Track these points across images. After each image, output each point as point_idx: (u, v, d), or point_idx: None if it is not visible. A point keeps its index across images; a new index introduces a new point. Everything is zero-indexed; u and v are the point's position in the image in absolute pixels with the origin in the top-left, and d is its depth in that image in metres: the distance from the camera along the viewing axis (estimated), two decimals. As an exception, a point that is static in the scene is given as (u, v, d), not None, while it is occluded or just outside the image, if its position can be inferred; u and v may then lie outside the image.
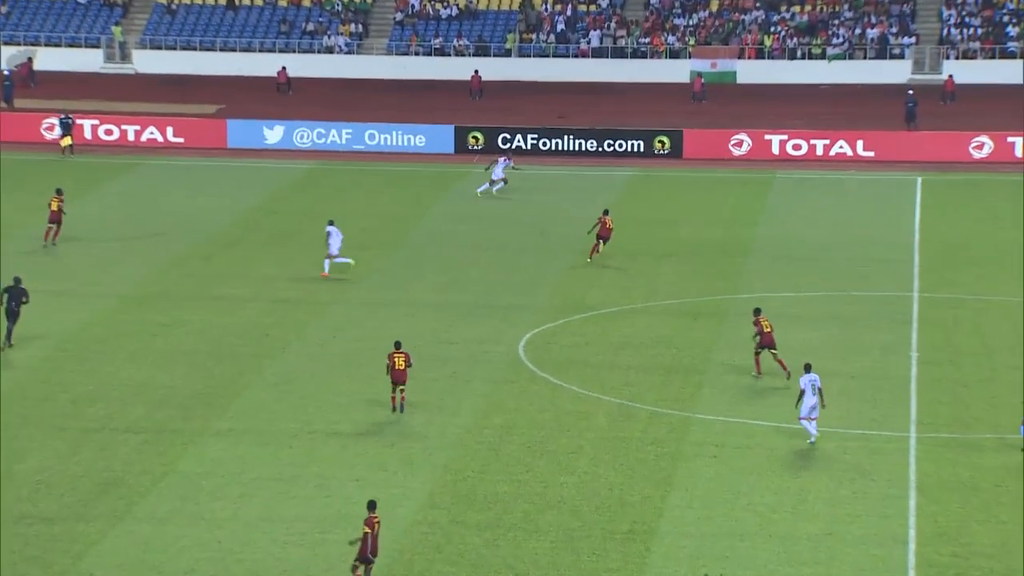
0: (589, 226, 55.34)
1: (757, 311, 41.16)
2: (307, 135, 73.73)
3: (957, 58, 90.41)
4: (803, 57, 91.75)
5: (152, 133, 74.32)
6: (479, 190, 62.80)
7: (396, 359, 38.59)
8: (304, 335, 44.93)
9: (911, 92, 76.48)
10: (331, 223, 51.39)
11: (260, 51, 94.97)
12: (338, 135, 73.60)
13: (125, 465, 35.01)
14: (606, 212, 53.56)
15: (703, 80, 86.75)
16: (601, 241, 52.28)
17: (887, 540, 31.26)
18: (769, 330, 40.44)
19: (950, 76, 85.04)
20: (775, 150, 70.48)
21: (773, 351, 40.47)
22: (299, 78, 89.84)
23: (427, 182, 67.02)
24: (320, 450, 36.25)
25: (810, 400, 35.85)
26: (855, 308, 47.31)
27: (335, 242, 50.95)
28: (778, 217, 59.72)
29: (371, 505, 29.80)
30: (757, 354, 40.74)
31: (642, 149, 71.23)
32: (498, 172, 63.01)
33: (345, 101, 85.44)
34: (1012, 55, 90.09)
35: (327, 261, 50.78)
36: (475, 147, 72.62)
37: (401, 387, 38.57)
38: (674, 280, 50.62)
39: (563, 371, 41.56)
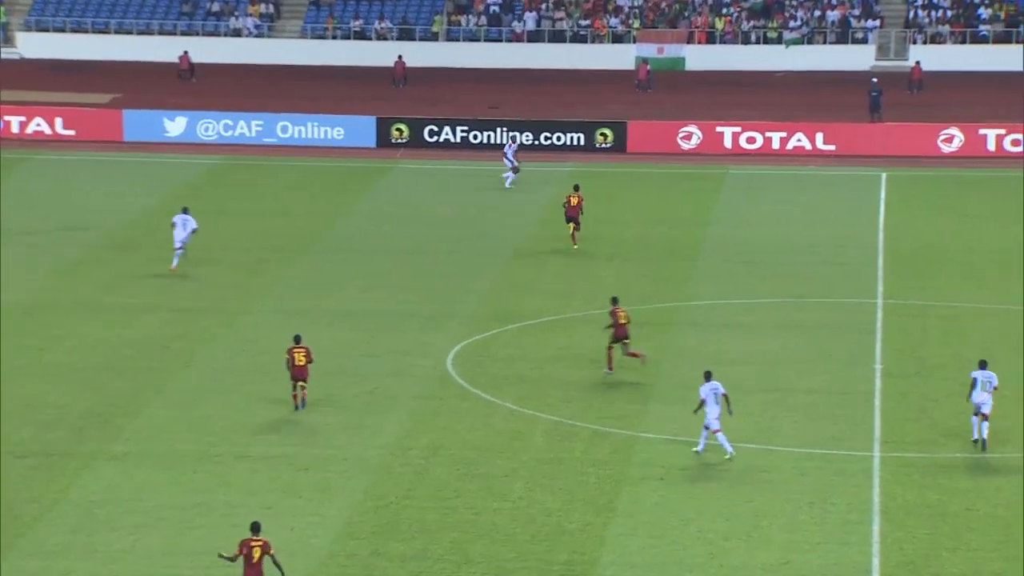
0: (524, 225, 55.60)
1: (615, 300, 41.99)
2: (212, 127, 73.48)
3: (925, 43, 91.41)
4: (757, 42, 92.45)
5: (39, 125, 73.80)
6: (508, 184, 63.67)
7: (296, 354, 39.17)
8: (210, 348, 44.76)
9: (875, 80, 77.24)
10: (184, 211, 51.71)
11: (160, 34, 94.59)
12: (247, 127, 73.39)
13: (10, 493, 34.76)
14: (576, 188, 55.12)
15: (649, 67, 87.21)
16: (571, 223, 54.08)
17: (849, 570, 31.55)
18: (624, 322, 41.44)
19: (917, 63, 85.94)
20: (727, 143, 70.97)
21: (625, 342, 41.46)
22: (203, 64, 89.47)
23: (346, 179, 66.97)
24: (227, 475, 36.13)
25: (713, 410, 36.41)
26: (814, 316, 47.72)
27: (180, 233, 51.48)
28: (730, 217, 60.12)
29: (254, 527, 29.72)
30: (610, 348, 41.64)
31: (582, 142, 71.51)
32: (511, 160, 63.67)
33: (255, 89, 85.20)
34: (984, 40, 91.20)
35: (175, 254, 51.40)
36: (399, 140, 72.65)
37: (302, 383, 39.22)
38: (617, 286, 50.79)
39: (496, 386, 41.64)
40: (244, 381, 42.23)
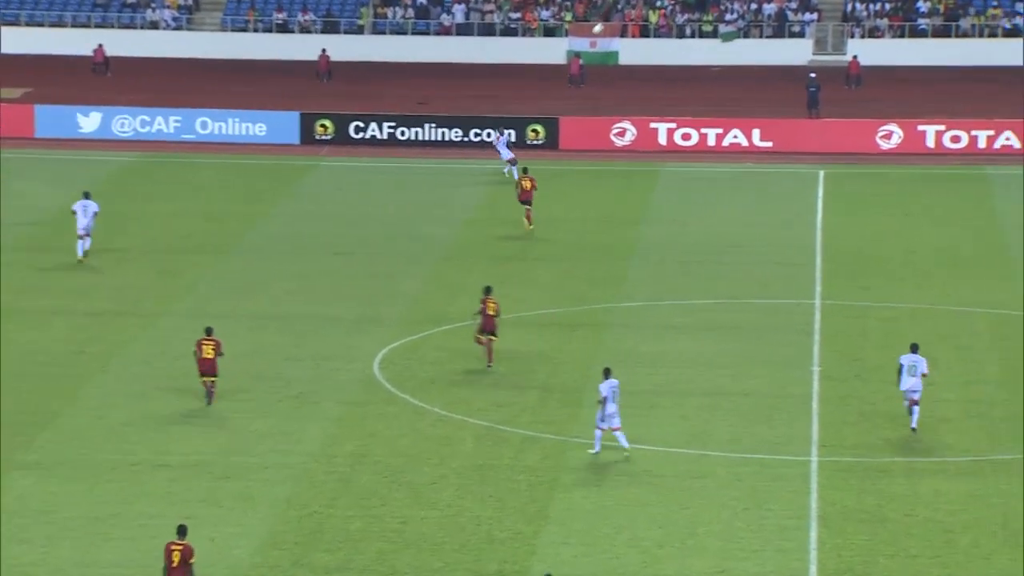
0: (454, 225, 55.65)
1: (487, 290, 42.82)
2: (128, 123, 73.06)
3: (863, 37, 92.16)
4: (693, 35, 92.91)
5: (-53, 120, 73.12)
6: (506, 171, 64.32)
7: (204, 347, 39.44)
8: (126, 352, 44.51)
9: (813, 75, 77.79)
10: (85, 196, 51.99)
11: (73, 26, 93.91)
12: (165, 123, 73.03)
13: (-84, 504, 34.47)
14: (524, 171, 57.44)
15: (581, 61, 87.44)
16: (525, 206, 55.90)
17: (786, 577, 31.80)
18: (492, 315, 42.12)
19: (855, 57, 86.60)
20: (662, 140, 71.27)
21: (491, 337, 42.15)
22: (119, 58, 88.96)
23: (269, 177, 66.76)
24: (144, 484, 35.96)
25: (611, 408, 36.86)
26: (751, 317, 48.00)
27: (82, 220, 51.73)
28: (665, 215, 60.38)
29: (180, 530, 29.95)
30: (478, 340, 42.50)
31: (513, 139, 71.54)
32: (505, 152, 64.03)
33: (172, 84, 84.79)
34: (923, 33, 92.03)
35: (79, 243, 51.40)
36: (323, 137, 72.49)
37: (211, 379, 39.53)
38: (549, 287, 50.97)
39: (424, 391, 41.65)
40: (162, 387, 42.02)
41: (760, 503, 34.99)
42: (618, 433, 37.07)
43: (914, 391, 38.49)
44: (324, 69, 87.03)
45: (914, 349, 39.00)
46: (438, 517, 34.33)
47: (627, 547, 33.00)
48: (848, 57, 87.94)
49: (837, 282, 51.45)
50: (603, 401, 36.89)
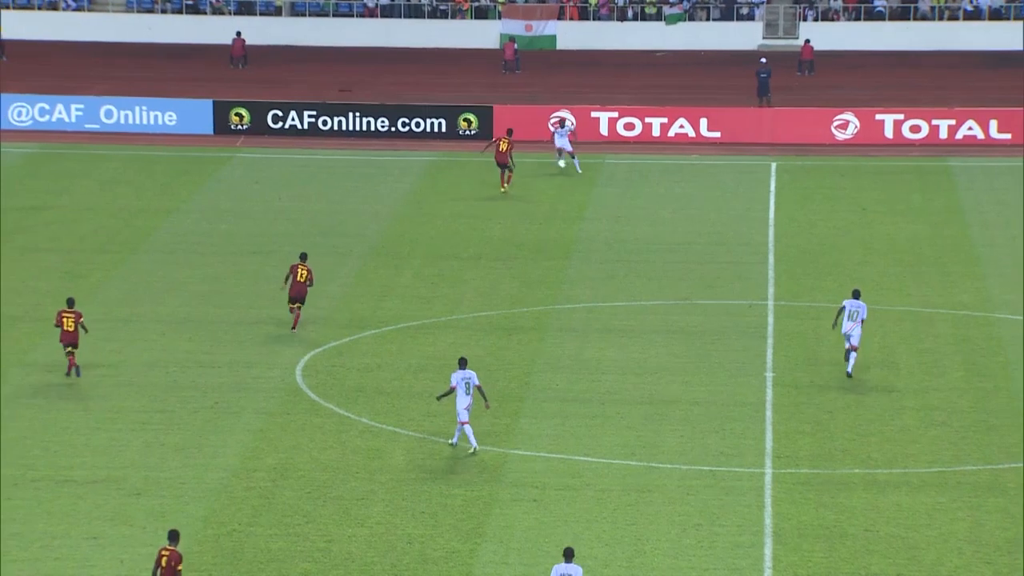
0: (381, 222, 55.67)
1: (302, 256, 45.01)
2: (26, 111, 72.73)
3: (816, 19, 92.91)
4: (635, 18, 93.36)
5: None
6: (561, 163, 64.66)
7: (65, 319, 42.14)
8: (26, 360, 44.33)
9: (763, 61, 78.36)
10: None
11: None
12: (66, 112, 72.75)
13: None
14: (509, 132, 60.40)
15: (516, 46, 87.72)
16: (502, 169, 59.48)
17: (740, 597, 32.10)
18: (302, 281, 44.61)
19: (808, 41, 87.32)
20: (603, 130, 71.61)
21: (299, 304, 44.49)
22: (15, 41, 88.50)
23: (180, 169, 66.62)
24: (47, 502, 35.88)
25: (464, 400, 37.60)
26: (700, 320, 48.33)
27: None
28: (607, 211, 60.67)
29: (171, 535, 30.84)
30: (290, 308, 44.70)
31: (444, 129, 71.76)
32: (563, 142, 64.31)
33: (74, 70, 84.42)
34: (880, 16, 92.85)
35: None
36: (239, 126, 72.40)
37: (72, 348, 42.05)
38: (484, 288, 51.14)
39: (351, 400, 41.72)
40: (66, 396, 41.90)
41: (711, 518, 35.27)
42: (466, 427, 38.02)
43: (852, 335, 42.16)
44: (239, 54, 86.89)
45: (856, 295, 42.90)
46: (367, 535, 34.43)
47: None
48: (801, 41, 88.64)
49: (791, 281, 51.86)
50: (452, 390, 37.90)
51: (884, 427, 40.31)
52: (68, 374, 42.43)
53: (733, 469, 37.84)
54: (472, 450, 37.94)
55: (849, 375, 42.54)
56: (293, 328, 45.87)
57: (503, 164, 60.69)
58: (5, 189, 62.17)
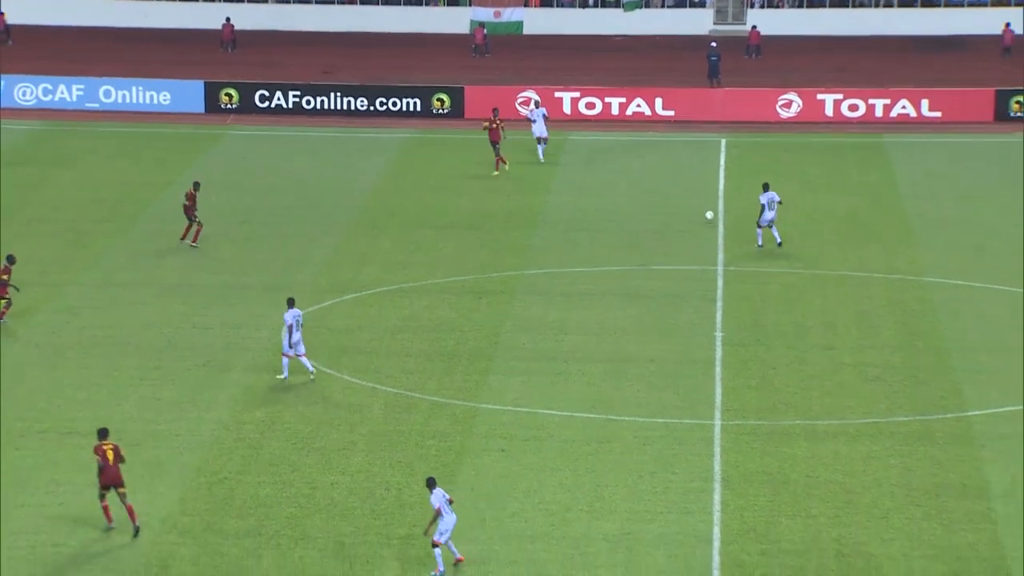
0: (361, 194, 55.67)
1: (10, 259, 43.67)
2: (31, 91, 72.28)
3: (763, 7, 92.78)
4: (596, 5, 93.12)
5: None
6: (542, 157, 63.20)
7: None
8: (33, 321, 44.21)
9: (714, 45, 78.28)
10: None
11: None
12: (67, 91, 72.32)
13: None
14: (495, 111, 60.76)
15: (485, 31, 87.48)
16: (495, 146, 59.47)
17: (690, 539, 32.21)
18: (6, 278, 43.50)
19: (755, 27, 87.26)
20: (566, 109, 71.53)
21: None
22: (20, 26, 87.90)
23: (173, 145, 66.35)
24: (53, 451, 35.85)
25: (296, 336, 39.14)
26: (655, 284, 48.40)
27: None
28: (570, 184, 60.65)
29: (101, 433, 32.29)
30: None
31: (419, 108, 71.58)
32: (541, 128, 63.01)
33: (76, 53, 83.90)
34: (821, 4, 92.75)
35: None
36: (229, 106, 72.10)
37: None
38: (456, 255, 51.11)
39: (333, 359, 41.70)
40: (69, 356, 41.85)
41: (665, 466, 35.41)
42: (304, 359, 39.29)
43: (771, 220, 50.41)
44: (228, 38, 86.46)
45: (766, 188, 50.94)
46: (348, 483, 34.47)
47: (536, 510, 33.31)
48: (748, 27, 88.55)
49: (739, 249, 51.96)
50: (289, 329, 39.06)
51: (824, 382, 40.50)
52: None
53: (685, 421, 37.99)
54: (311, 377, 39.47)
55: (780, 244, 50.68)
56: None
57: (496, 142, 60.16)
58: (12, 163, 61.88)
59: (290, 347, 39.51)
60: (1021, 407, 38.75)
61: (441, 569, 30.44)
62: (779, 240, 50.90)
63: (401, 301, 46.43)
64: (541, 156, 62.97)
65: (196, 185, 51.68)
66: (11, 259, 43.79)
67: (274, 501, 33.56)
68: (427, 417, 38.03)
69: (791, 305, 46.40)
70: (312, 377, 39.60)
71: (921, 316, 45.44)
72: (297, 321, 39.39)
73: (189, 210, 51.01)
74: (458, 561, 30.79)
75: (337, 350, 42.31)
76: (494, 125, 60.39)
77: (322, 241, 52.40)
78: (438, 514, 30.49)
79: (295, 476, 34.79)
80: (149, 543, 31.73)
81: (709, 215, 51.69)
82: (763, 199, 50.85)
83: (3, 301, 43.24)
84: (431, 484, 30.87)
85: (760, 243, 50.87)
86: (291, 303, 39.81)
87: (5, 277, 43.38)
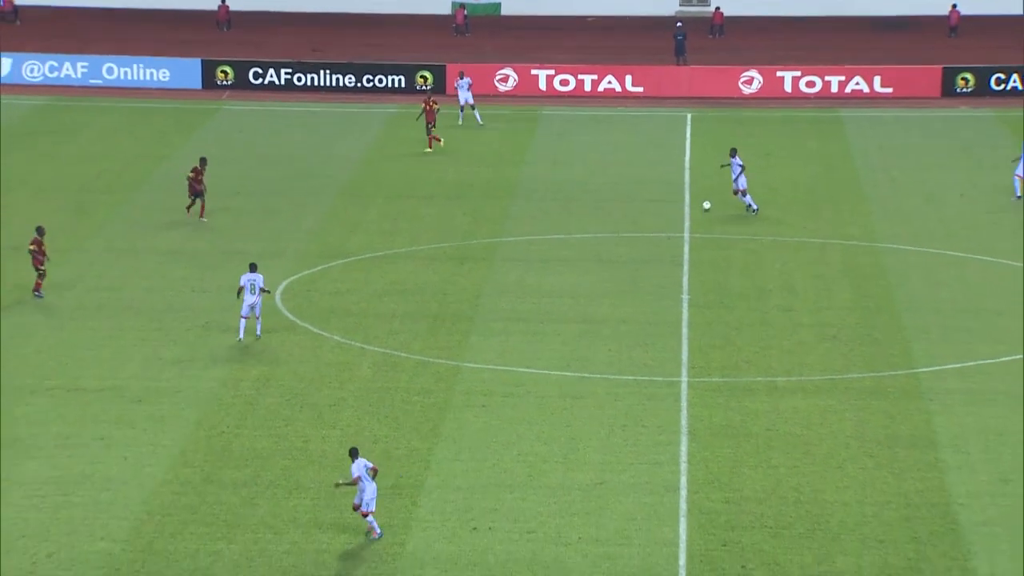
0: (349, 165, 55.54)
1: (39, 231, 43.14)
2: (38, 68, 71.90)
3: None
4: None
5: None
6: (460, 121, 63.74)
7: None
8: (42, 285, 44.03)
9: (679, 25, 78.12)
10: None
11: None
12: (72, 69, 71.96)
13: None
14: (428, 94, 60.98)
15: (466, 12, 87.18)
16: (429, 126, 58.80)
17: (659, 487, 32.29)
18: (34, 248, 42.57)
19: (718, 8, 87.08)
20: (542, 86, 71.38)
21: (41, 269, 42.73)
22: (28, 6, 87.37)
23: (173, 120, 66.08)
24: (60, 407, 35.78)
25: (249, 298, 39.01)
26: (625, 250, 48.42)
27: None
28: (545, 156, 60.56)
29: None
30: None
31: (403, 85, 71.37)
32: (466, 95, 63.72)
33: (80, 31, 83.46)
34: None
35: None
36: (224, 82, 71.81)
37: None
38: (439, 223, 51.04)
39: (323, 320, 41.66)
40: (75, 317, 41.73)
41: (635, 420, 35.47)
42: (258, 322, 39.45)
43: (740, 183, 50.69)
44: (223, 18, 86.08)
45: (733, 153, 51.15)
46: (339, 436, 34.47)
47: (514, 461, 33.36)
48: (712, 8, 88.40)
49: (704, 217, 51.96)
50: (241, 290, 39.15)
51: (784, 341, 40.58)
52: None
53: (654, 378, 38.04)
54: (258, 336, 39.54)
55: (755, 210, 51.21)
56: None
57: (431, 122, 59.37)
58: (20, 136, 61.55)
59: (251, 308, 39.22)
60: (966, 364, 38.89)
61: (379, 532, 29.77)
62: (755, 207, 51.40)
63: (387, 267, 46.37)
64: (479, 119, 63.76)
65: (203, 161, 51.29)
66: (41, 231, 42.93)
67: (269, 453, 33.56)
68: (412, 375, 38.02)
69: (753, 269, 46.44)
70: (258, 337, 39.56)
71: (874, 279, 45.53)
72: (251, 284, 39.12)
73: (194, 184, 50.50)
74: (373, 533, 29.87)
75: (327, 312, 42.26)
76: (429, 107, 59.52)
77: (312, 210, 52.27)
78: (357, 482, 29.69)
79: (289, 430, 34.79)
80: (152, 493, 31.70)
81: (707, 205, 51.46)
82: (733, 163, 51.37)
83: (39, 272, 42.45)
84: (354, 454, 30.06)
85: (755, 208, 51.42)
86: (252, 267, 39.76)
87: (33, 248, 42.49)
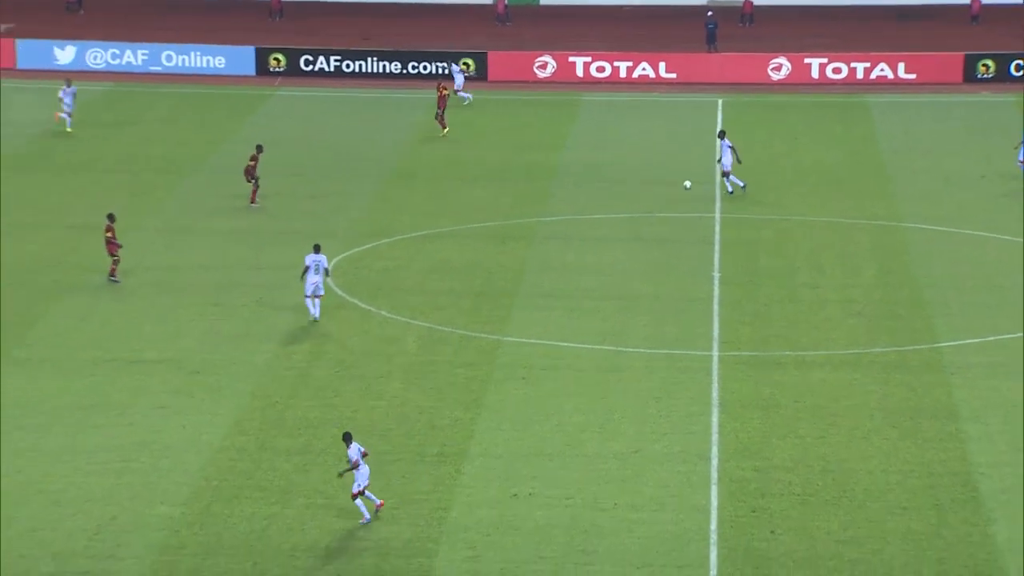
0: (396, 148, 55.52)
1: (110, 216, 42.95)
2: (100, 56, 72.13)
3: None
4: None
5: (-64, 54, 71.96)
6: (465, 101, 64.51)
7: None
8: (102, 263, 44.19)
9: (711, 14, 77.70)
10: (68, 84, 58.44)
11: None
12: (133, 56, 72.14)
13: (-81, 399, 34.27)
14: (439, 83, 60.56)
15: (506, 1, 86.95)
16: (441, 111, 58.62)
17: (691, 456, 32.23)
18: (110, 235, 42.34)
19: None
20: (579, 72, 71.14)
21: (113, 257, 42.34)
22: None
23: (227, 105, 66.19)
24: (122, 379, 35.95)
25: (313, 278, 38.47)
26: (660, 230, 48.27)
27: (68, 99, 57.87)
28: (583, 140, 60.41)
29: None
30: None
31: (447, 71, 71.20)
32: (460, 78, 64.54)
33: (140, 21, 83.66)
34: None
35: (66, 119, 57.63)
36: (277, 69, 71.87)
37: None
38: (482, 204, 51.00)
39: (372, 296, 41.71)
40: (137, 292, 41.90)
41: (669, 392, 35.40)
42: (317, 302, 38.77)
43: (725, 163, 49.94)
44: (277, 8, 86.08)
45: (721, 135, 50.87)
46: (385, 407, 34.52)
47: (553, 431, 33.34)
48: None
49: (734, 198, 51.74)
50: (306, 270, 38.65)
51: (811, 317, 40.40)
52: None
53: (687, 352, 37.94)
54: (313, 318, 38.92)
55: (743, 188, 50.89)
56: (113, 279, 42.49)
57: (442, 108, 58.90)
58: (84, 120, 61.78)
59: (315, 287, 38.60)
60: (986, 339, 38.65)
61: (367, 517, 29.24)
62: (742, 184, 51.19)
63: (433, 245, 46.36)
64: (468, 99, 64.39)
65: (259, 148, 51.14)
66: (112, 217, 42.50)
67: (320, 423, 33.63)
68: (456, 349, 38.02)
69: (781, 248, 46.24)
70: (314, 318, 38.78)
71: (898, 258, 45.27)
72: (316, 264, 38.65)
73: (250, 171, 50.28)
74: (379, 507, 29.48)
75: (375, 289, 42.29)
76: (441, 92, 59.35)
77: (361, 191, 52.30)
78: (355, 466, 29.16)
79: (338, 400, 34.85)
80: (209, 460, 31.83)
81: (687, 184, 51.22)
82: (722, 144, 51.02)
83: (113, 259, 42.05)
84: (348, 439, 29.45)
85: (731, 190, 50.81)
86: (317, 248, 39.21)
87: (109, 235, 42.11)
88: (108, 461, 31.74)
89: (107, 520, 29.45)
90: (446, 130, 59.40)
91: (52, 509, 29.77)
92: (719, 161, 50.96)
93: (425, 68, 71.19)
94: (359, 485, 29.25)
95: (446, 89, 59.89)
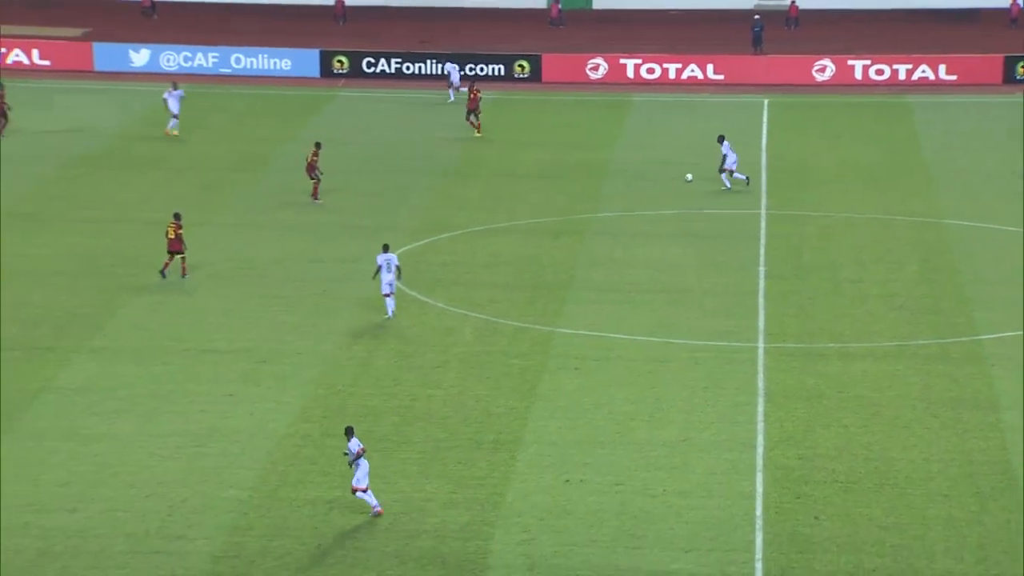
0: (453, 147, 55.45)
1: (175, 216, 42.49)
2: (173, 58, 72.48)
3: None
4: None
5: (18, 56, 72.49)
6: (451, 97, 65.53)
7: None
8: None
9: (757, 17, 77.27)
10: (174, 86, 58.62)
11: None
12: (204, 58, 72.46)
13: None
14: (473, 82, 60.57)
15: (560, 6, 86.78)
16: (472, 114, 58.45)
17: (737, 444, 32.03)
18: (173, 237, 41.58)
19: (793, 2, 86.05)
20: (630, 74, 70.88)
21: (180, 255, 41.77)
22: (164, 2, 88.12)
23: (293, 106, 66.37)
24: (194, 367, 36.09)
25: (387, 276, 38.09)
26: (707, 226, 48.02)
27: (174, 105, 58.61)
28: (634, 139, 60.18)
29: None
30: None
31: (503, 73, 71.15)
32: (455, 79, 65.55)
33: (211, 25, 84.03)
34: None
35: (174, 123, 58.44)
36: (340, 71, 72.02)
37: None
38: (536, 200, 50.89)
39: (430, 288, 41.69)
40: (207, 285, 42.05)
41: (716, 383, 35.21)
42: (391, 300, 38.37)
43: (735, 162, 50.75)
44: (340, 12, 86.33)
45: (722, 139, 51.29)
46: (443, 395, 34.49)
47: (604, 420, 33.22)
48: (788, 2, 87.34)
49: (780, 195, 51.42)
50: (379, 270, 38.23)
51: (854, 310, 40.08)
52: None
53: (733, 344, 37.72)
54: (387, 317, 38.60)
55: (746, 182, 50.78)
56: (183, 275, 41.95)
57: (472, 109, 58.73)
58: (157, 121, 62.09)
59: (388, 286, 38.28)
60: (1026, 333, 38.25)
61: (376, 506, 28.59)
62: (746, 178, 51.18)
63: (488, 240, 46.30)
64: (452, 97, 64.98)
65: (318, 145, 51.23)
66: (178, 216, 42.28)
67: (380, 410, 33.65)
68: (511, 340, 37.95)
69: (825, 244, 45.90)
70: (387, 318, 38.39)
71: (939, 253, 44.84)
72: (387, 263, 38.30)
73: (312, 167, 50.36)
74: (377, 514, 28.78)
75: (433, 281, 42.27)
76: (473, 94, 59.30)
77: (420, 188, 52.30)
78: (360, 454, 28.36)
79: (398, 389, 34.85)
80: (276, 445, 31.90)
81: (688, 177, 50.91)
82: (724, 149, 51.00)
83: (180, 257, 41.61)
84: (349, 433, 28.82)
85: (728, 186, 50.60)
86: (385, 248, 38.94)
87: (174, 234, 41.53)
88: (180, 446, 31.87)
89: (178, 502, 29.58)
90: (479, 131, 59.19)
91: (126, 491, 29.93)
92: (723, 162, 50.90)
93: (482, 70, 71.09)
94: (358, 480, 28.76)
95: (479, 91, 59.84)
